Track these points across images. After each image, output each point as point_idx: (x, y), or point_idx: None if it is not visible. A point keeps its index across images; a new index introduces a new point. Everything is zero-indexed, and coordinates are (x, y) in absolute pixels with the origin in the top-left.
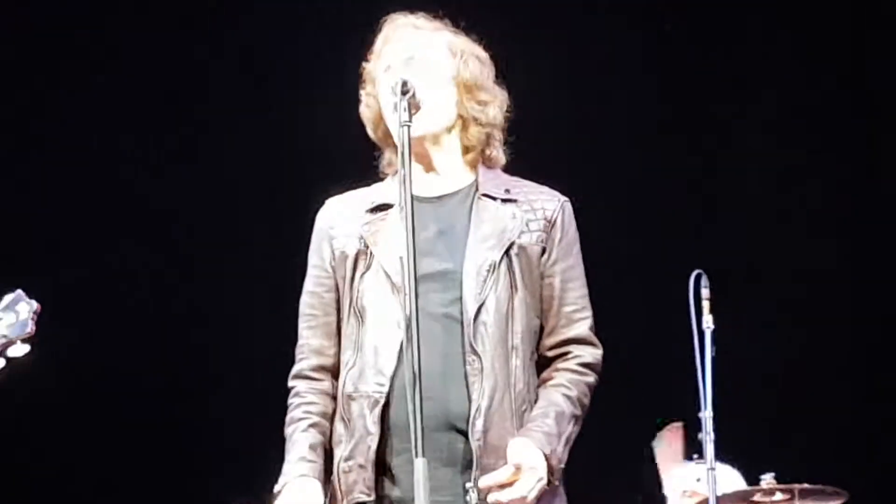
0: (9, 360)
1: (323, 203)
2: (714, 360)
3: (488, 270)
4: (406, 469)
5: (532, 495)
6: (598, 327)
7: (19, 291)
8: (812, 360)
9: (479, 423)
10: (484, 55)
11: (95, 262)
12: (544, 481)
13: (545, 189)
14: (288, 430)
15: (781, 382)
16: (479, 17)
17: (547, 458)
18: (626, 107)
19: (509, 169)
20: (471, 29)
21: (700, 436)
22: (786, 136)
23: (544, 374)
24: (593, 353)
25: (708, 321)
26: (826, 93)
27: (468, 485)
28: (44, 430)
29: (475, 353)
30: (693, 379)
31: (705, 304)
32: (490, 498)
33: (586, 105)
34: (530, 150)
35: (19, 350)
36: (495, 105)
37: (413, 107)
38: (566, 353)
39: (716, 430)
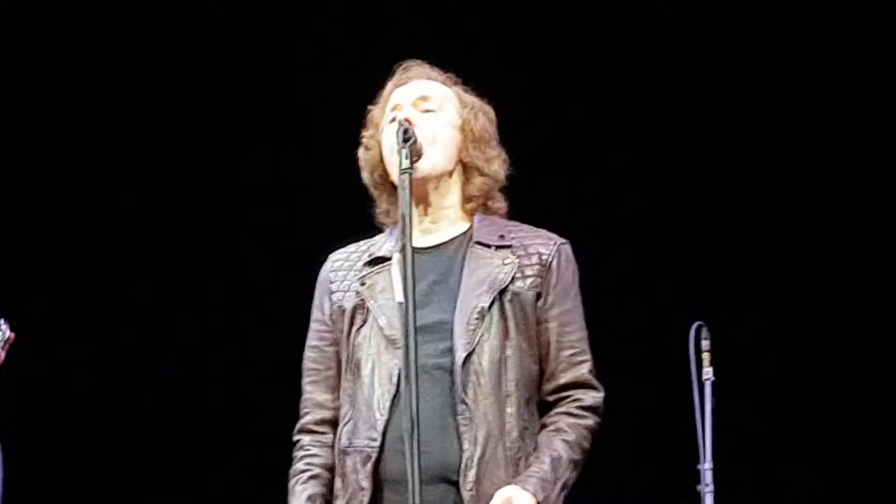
0: None
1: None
2: (714, 411)
3: (478, 318)
4: None
5: None
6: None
7: None
8: (816, 411)
9: (471, 474)
10: (492, 115)
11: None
12: None
13: (542, 232)
14: (290, 484)
15: (783, 434)
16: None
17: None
18: (627, 152)
19: (509, 214)
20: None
21: (699, 487)
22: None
23: (544, 419)
24: (594, 397)
25: (708, 373)
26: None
27: None
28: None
29: (464, 402)
30: (692, 430)
31: (705, 356)
32: None
33: (586, 152)
34: (528, 196)
35: None
36: (499, 160)
37: (415, 154)
38: (566, 397)
39: (714, 482)
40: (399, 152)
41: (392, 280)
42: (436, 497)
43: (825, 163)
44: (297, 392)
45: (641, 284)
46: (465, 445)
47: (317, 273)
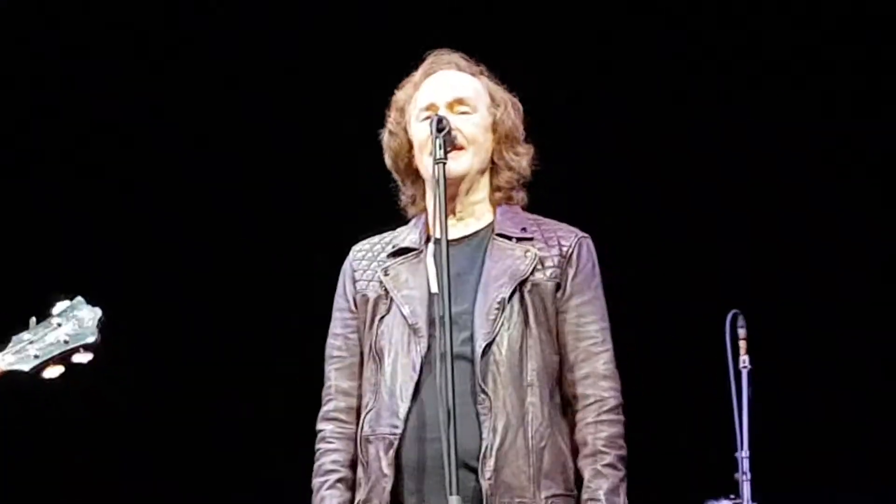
0: (72, 366)
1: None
2: (751, 399)
3: (498, 309)
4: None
5: None
6: (634, 366)
7: (79, 298)
8: (850, 399)
9: (490, 463)
10: (520, 108)
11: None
12: None
13: (564, 226)
14: (316, 482)
15: (820, 422)
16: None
17: None
18: (658, 140)
19: (534, 207)
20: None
21: (736, 475)
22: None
23: (576, 424)
24: (615, 392)
25: (745, 360)
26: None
27: None
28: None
29: (484, 391)
30: (730, 418)
31: (742, 344)
32: None
33: (616, 142)
34: (556, 188)
35: (82, 358)
36: (528, 157)
37: (449, 144)
38: (587, 397)
39: (752, 469)
40: (433, 142)
41: (427, 270)
42: (459, 483)
43: (856, 148)
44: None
45: (677, 273)
46: (485, 434)
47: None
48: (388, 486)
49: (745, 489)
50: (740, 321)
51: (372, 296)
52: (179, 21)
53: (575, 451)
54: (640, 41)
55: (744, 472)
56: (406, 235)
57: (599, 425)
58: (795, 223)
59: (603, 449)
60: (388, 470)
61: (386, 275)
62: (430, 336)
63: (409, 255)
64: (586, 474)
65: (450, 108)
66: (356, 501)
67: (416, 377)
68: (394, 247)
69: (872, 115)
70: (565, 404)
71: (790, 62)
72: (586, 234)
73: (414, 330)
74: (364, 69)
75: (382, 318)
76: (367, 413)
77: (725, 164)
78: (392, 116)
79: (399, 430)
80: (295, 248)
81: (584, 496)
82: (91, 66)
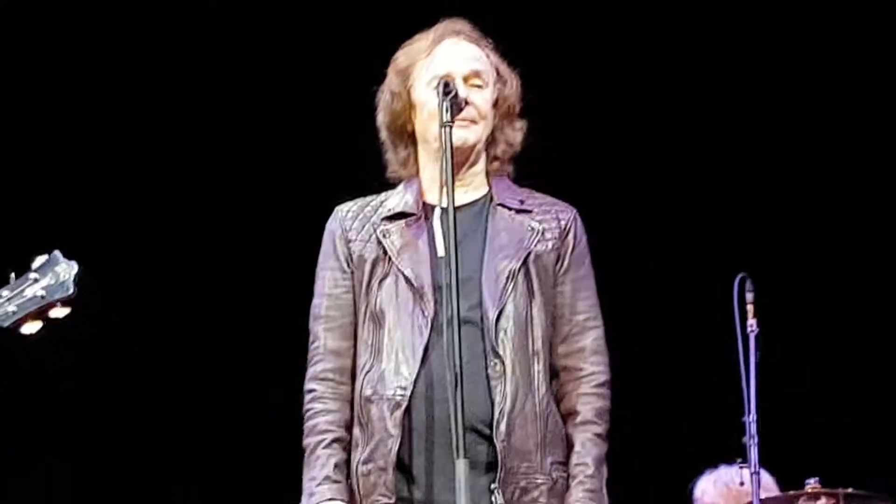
0: (49, 321)
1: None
2: (758, 363)
3: (507, 278)
4: (427, 470)
5: None
6: (641, 330)
7: (56, 252)
8: (858, 363)
9: (503, 426)
10: (519, 84)
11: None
12: None
13: (557, 201)
14: (309, 441)
15: (827, 386)
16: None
17: None
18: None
19: (532, 177)
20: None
21: (744, 440)
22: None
23: (565, 395)
24: (606, 368)
25: (752, 325)
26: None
27: (493, 486)
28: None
29: (497, 355)
30: (737, 383)
31: (749, 308)
32: None
33: (617, 106)
34: (555, 156)
35: (59, 312)
36: (522, 133)
37: (455, 108)
38: (580, 370)
39: (759, 434)
40: (440, 105)
41: (433, 234)
42: (467, 446)
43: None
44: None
45: (684, 237)
46: (496, 398)
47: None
48: (395, 447)
49: (753, 453)
50: (748, 285)
51: (369, 257)
52: None
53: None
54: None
55: (751, 437)
56: (401, 199)
57: (592, 398)
58: (804, 185)
59: (594, 419)
60: (394, 430)
61: (385, 237)
62: (436, 301)
63: (410, 218)
64: (577, 441)
65: (465, 80)
66: (355, 461)
67: (424, 341)
68: (389, 210)
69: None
70: (552, 375)
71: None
72: (576, 210)
73: (420, 294)
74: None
75: (381, 280)
76: (365, 374)
77: (732, 124)
78: (393, 77)
79: (407, 392)
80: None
81: (574, 460)
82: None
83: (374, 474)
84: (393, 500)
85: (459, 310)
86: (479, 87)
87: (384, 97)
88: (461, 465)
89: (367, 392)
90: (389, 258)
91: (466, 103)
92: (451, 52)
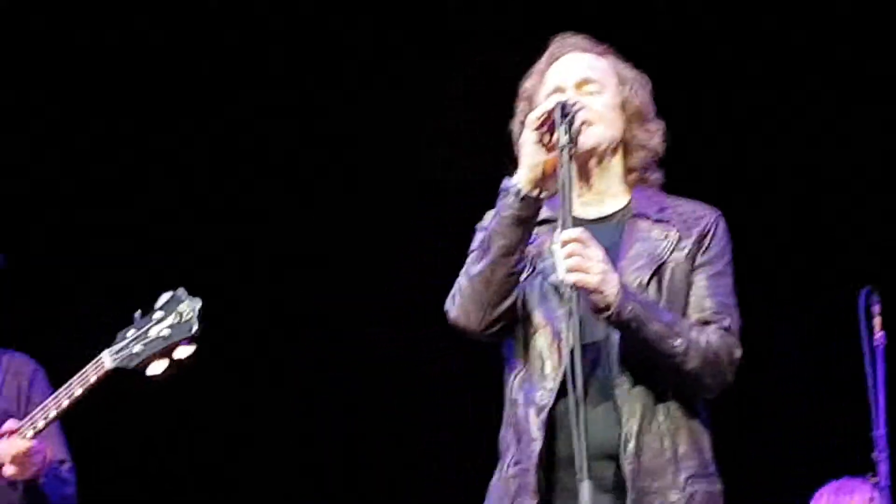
0: (175, 362)
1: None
2: (885, 376)
3: (637, 290)
4: (569, 473)
5: (592, 271)
6: (766, 344)
7: (181, 289)
8: None
9: (631, 446)
10: (649, 86)
11: None
12: (602, 284)
13: (700, 204)
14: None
15: None
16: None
17: (622, 294)
18: (788, 111)
19: (666, 187)
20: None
21: (874, 455)
22: None
23: None
24: (735, 335)
25: (879, 338)
26: None
27: None
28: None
29: (624, 372)
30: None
31: (876, 321)
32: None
33: (745, 118)
34: (687, 167)
35: (183, 352)
36: (659, 134)
37: (574, 132)
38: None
39: (889, 448)
40: (558, 127)
41: (554, 252)
42: (597, 471)
43: None
44: None
45: (810, 249)
46: (624, 419)
47: None
48: (538, 449)
49: (883, 468)
50: (874, 298)
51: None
52: None
53: (708, 432)
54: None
55: (881, 451)
56: (547, 208)
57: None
58: None
59: (697, 324)
60: (537, 433)
61: (533, 241)
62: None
63: (551, 225)
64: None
65: (577, 88)
66: (505, 464)
67: (563, 345)
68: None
69: None
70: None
71: None
72: (720, 212)
73: (564, 298)
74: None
75: (526, 278)
76: (516, 375)
77: (863, 139)
78: (521, 107)
79: (551, 396)
80: None
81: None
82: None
83: (519, 477)
84: (536, 502)
85: (588, 328)
86: (592, 93)
87: (515, 128)
88: (585, 487)
89: (516, 394)
90: (534, 261)
91: (573, 118)
92: (562, 66)
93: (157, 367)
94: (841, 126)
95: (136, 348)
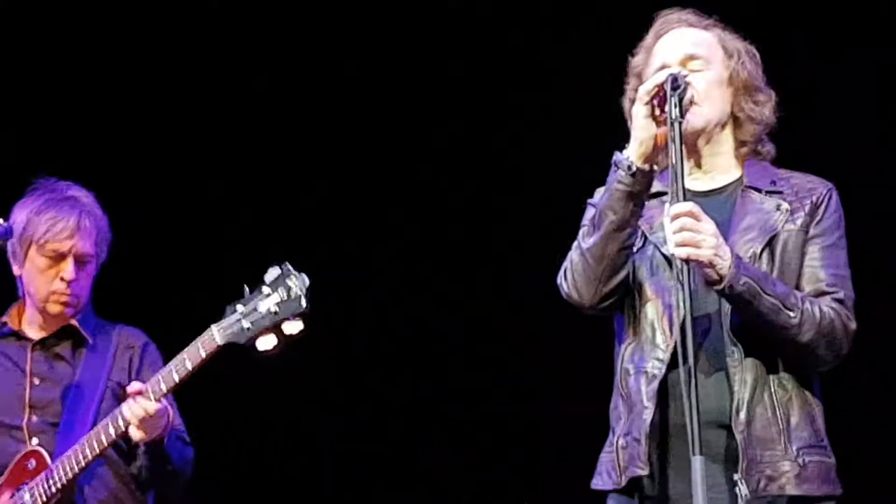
0: (285, 337)
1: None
2: None
3: (750, 261)
4: (680, 441)
5: (704, 245)
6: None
7: (287, 265)
8: None
9: (742, 415)
10: (758, 57)
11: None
12: (715, 258)
13: (813, 177)
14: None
15: None
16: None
17: (735, 267)
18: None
19: (781, 161)
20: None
21: None
22: None
23: None
24: (850, 307)
25: None
26: None
27: (736, 476)
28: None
29: (735, 343)
30: None
31: None
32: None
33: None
34: (806, 140)
35: (293, 327)
36: (770, 105)
37: (686, 102)
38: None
39: None
40: (668, 100)
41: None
42: (709, 441)
43: None
44: None
45: None
46: (735, 387)
47: None
48: (649, 419)
49: None
50: None
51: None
52: None
53: (820, 404)
54: None
55: None
56: (658, 182)
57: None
58: None
59: (812, 298)
60: (649, 403)
61: (645, 213)
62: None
63: (662, 198)
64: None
65: (682, 64)
66: (617, 434)
67: (674, 315)
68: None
69: None
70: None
71: None
72: (833, 186)
73: (675, 270)
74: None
75: (638, 249)
76: (627, 345)
77: None
78: (631, 83)
79: (663, 367)
80: None
81: None
82: None
83: (630, 447)
84: (647, 472)
85: (692, 299)
86: (698, 70)
87: (626, 104)
88: (697, 462)
89: (628, 364)
90: (644, 233)
91: (685, 89)
92: (668, 42)
93: (267, 342)
94: None
95: (246, 323)
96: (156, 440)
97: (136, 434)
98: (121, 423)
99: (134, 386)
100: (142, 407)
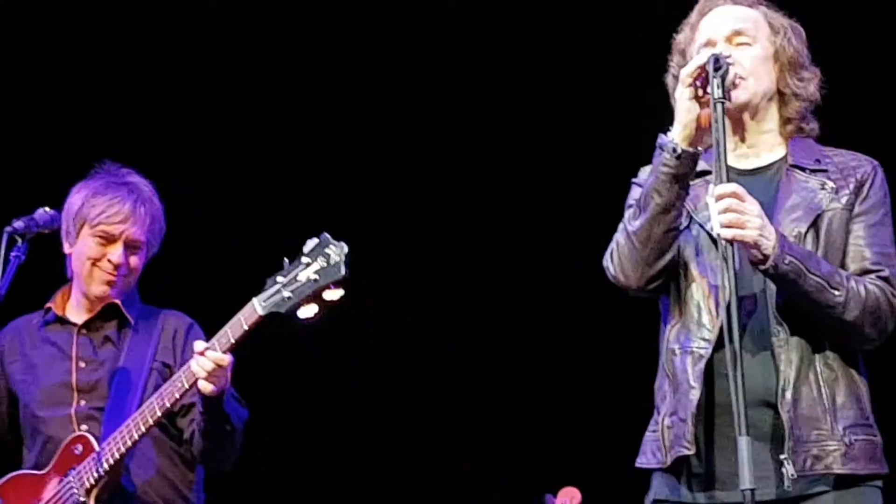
0: (325, 304)
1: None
2: None
3: (794, 240)
4: (725, 421)
5: (749, 225)
6: None
7: (325, 234)
8: None
9: (788, 395)
10: (801, 31)
11: None
12: (760, 238)
13: (858, 155)
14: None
15: None
16: None
17: (780, 247)
18: None
19: (826, 139)
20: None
21: None
22: None
23: None
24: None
25: None
26: None
27: (783, 457)
28: None
29: (780, 323)
30: None
31: None
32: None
33: None
34: (849, 119)
35: (333, 295)
36: (815, 82)
37: (728, 83)
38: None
39: None
40: (711, 81)
41: (709, 206)
42: (756, 421)
43: None
44: None
45: None
46: (781, 367)
47: None
48: (696, 399)
49: None
50: None
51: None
52: None
53: (866, 383)
54: None
55: None
56: (703, 161)
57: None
58: None
59: (856, 277)
60: (695, 383)
61: (686, 193)
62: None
63: (707, 177)
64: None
65: (728, 41)
66: (662, 413)
67: (719, 294)
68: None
69: None
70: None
71: None
72: (878, 163)
73: (720, 249)
74: None
75: (683, 229)
76: (673, 325)
77: None
78: (675, 60)
79: (710, 346)
80: None
81: None
82: None
83: (676, 426)
84: (693, 451)
85: (737, 279)
86: (744, 44)
87: (669, 81)
88: (743, 443)
89: (674, 344)
90: (688, 212)
91: (727, 71)
92: (712, 19)
93: (308, 311)
94: None
95: (286, 293)
96: (216, 396)
97: (205, 387)
98: (185, 381)
99: (200, 345)
100: (212, 360)
